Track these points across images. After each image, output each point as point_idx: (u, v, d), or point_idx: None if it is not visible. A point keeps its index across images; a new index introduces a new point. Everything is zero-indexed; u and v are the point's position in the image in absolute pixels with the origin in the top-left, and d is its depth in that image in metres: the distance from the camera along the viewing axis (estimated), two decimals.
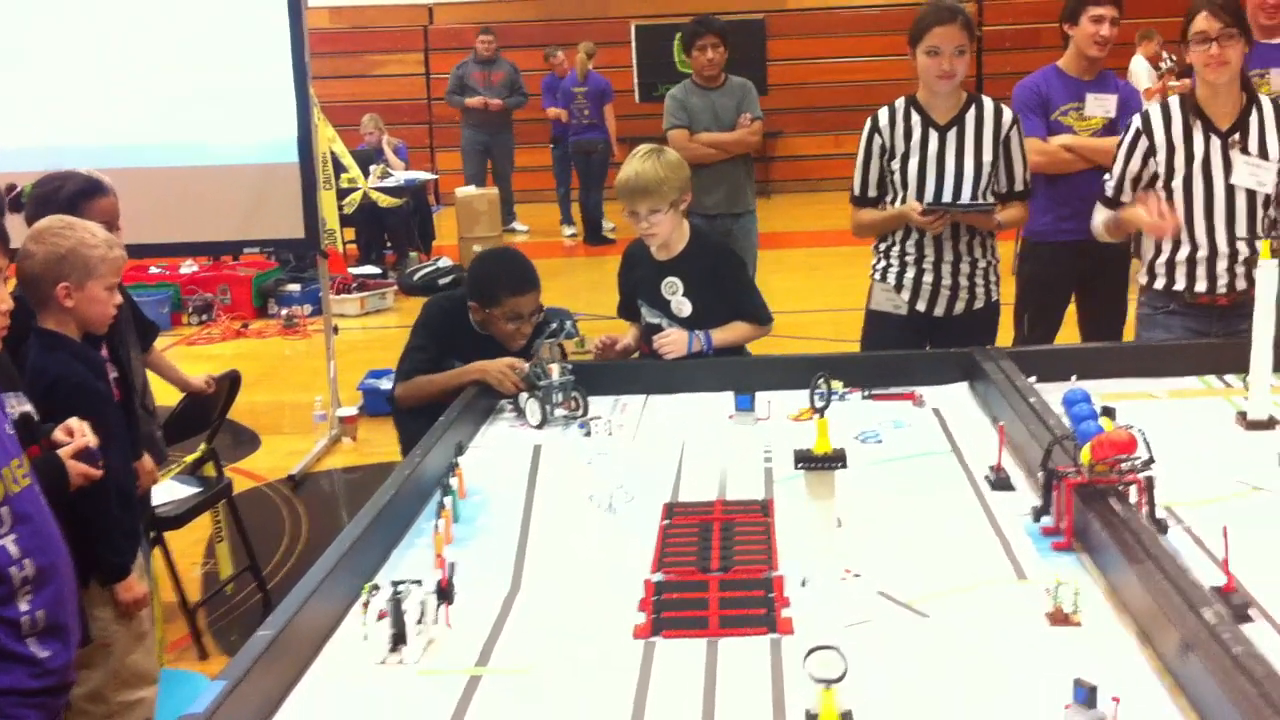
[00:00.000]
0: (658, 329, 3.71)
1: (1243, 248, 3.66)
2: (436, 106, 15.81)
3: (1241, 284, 3.66)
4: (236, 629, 4.61)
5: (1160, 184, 3.71)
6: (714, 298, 3.71)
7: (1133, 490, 2.37)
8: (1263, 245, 3.03)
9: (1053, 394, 3.06)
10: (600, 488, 2.83)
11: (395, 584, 2.11)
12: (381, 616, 2.09)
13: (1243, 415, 3.05)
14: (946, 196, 3.92)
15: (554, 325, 3.48)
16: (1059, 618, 2.08)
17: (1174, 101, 3.74)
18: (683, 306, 3.70)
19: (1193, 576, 2.01)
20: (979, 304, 4.05)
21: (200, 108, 6.20)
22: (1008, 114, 3.98)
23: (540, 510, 2.74)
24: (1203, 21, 3.56)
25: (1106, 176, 3.88)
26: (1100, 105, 4.56)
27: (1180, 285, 3.75)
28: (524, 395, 3.37)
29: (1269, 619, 2.04)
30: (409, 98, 15.65)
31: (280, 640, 1.98)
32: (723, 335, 3.71)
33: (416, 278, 10.37)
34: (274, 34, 6.16)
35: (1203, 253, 3.68)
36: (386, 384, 7.00)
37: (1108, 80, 4.69)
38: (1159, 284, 3.80)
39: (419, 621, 2.09)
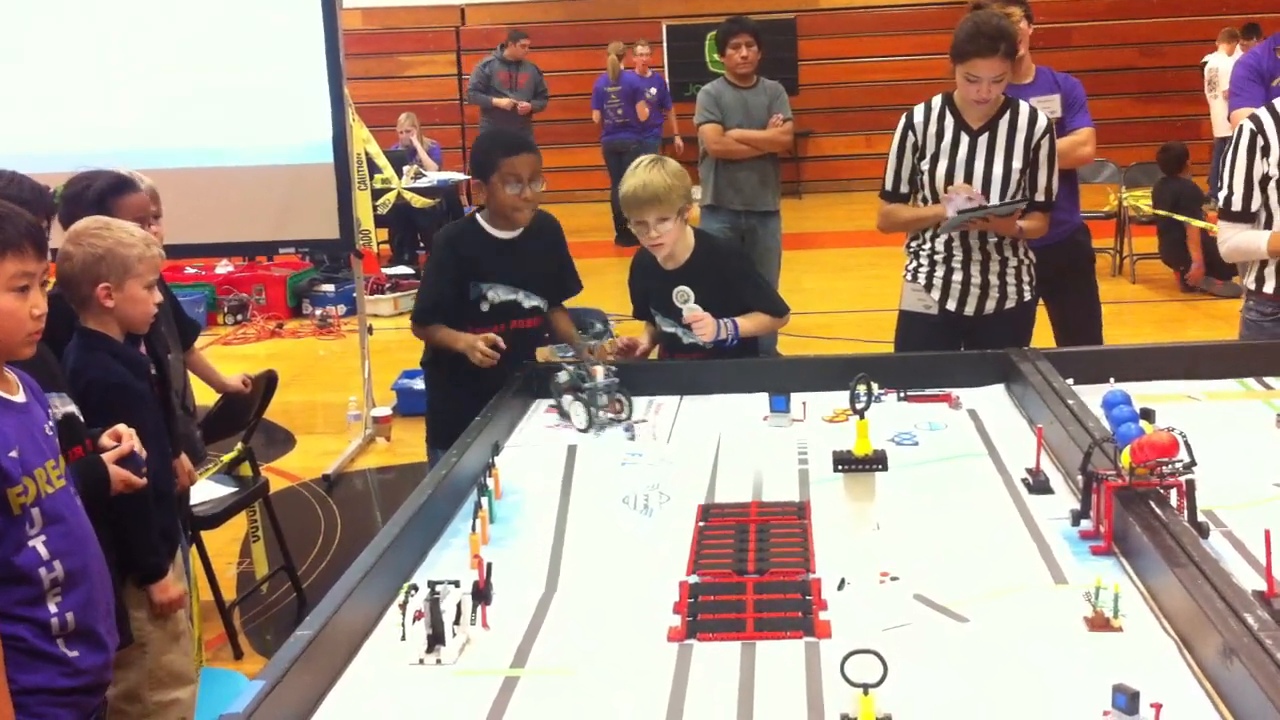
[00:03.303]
0: (674, 338, 3.71)
1: None
2: (469, 107, 15.80)
3: None
4: (271, 628, 4.64)
5: (1274, 184, 3.56)
6: (726, 301, 3.68)
7: (1173, 493, 2.35)
8: None
9: (1090, 395, 3.04)
10: (635, 489, 2.83)
11: (432, 584, 2.12)
12: (418, 617, 2.09)
13: None
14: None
15: (598, 327, 3.45)
16: (1099, 622, 2.06)
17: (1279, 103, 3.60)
18: (693, 313, 3.64)
19: (1235, 581, 1.99)
20: (1010, 303, 4.03)
21: (235, 109, 6.24)
22: (1042, 121, 3.94)
23: (576, 511, 2.75)
24: None
25: (1223, 190, 3.69)
26: (1045, 106, 4.49)
27: None
28: (568, 398, 3.32)
29: None
30: (441, 98, 15.69)
31: (318, 640, 1.98)
32: (747, 323, 3.69)
33: None
34: (309, 36, 6.19)
35: None
36: (420, 384, 7.03)
37: (1046, 79, 4.62)
38: (1269, 287, 3.64)
39: (456, 622, 2.09)
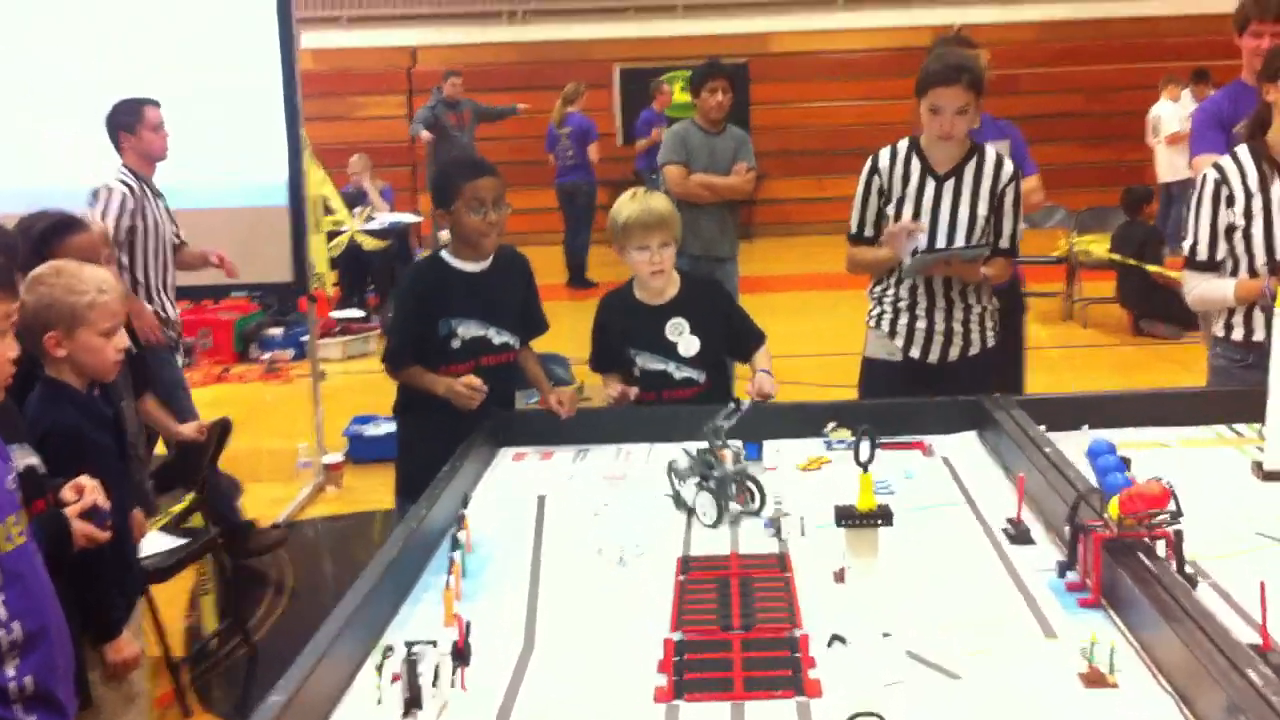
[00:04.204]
0: (663, 377, 3.65)
1: None
2: (421, 148, 15.77)
3: None
4: (221, 684, 4.51)
5: (1239, 234, 3.56)
6: (716, 331, 3.70)
7: (1159, 544, 2.31)
8: (1279, 291, 2.99)
9: (1063, 443, 3.03)
10: (609, 540, 2.75)
11: (409, 645, 2.04)
12: (395, 679, 2.01)
13: (1258, 466, 3.00)
14: (940, 244, 3.89)
15: (731, 406, 3.00)
16: (1094, 678, 2.01)
17: (1242, 150, 3.60)
18: (690, 345, 3.65)
19: (1233, 636, 1.96)
20: (975, 350, 4.01)
21: (189, 151, 6.12)
22: (1008, 167, 3.93)
23: (549, 564, 2.67)
24: None
25: (1188, 240, 3.67)
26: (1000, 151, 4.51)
27: (1260, 335, 3.54)
28: (691, 488, 2.89)
29: None
30: (392, 140, 15.61)
31: (290, 706, 1.89)
32: (766, 362, 3.72)
33: None
34: (263, 77, 6.12)
35: None
36: (372, 430, 6.94)
37: (990, 125, 4.63)
38: (1237, 335, 3.63)
39: (434, 684, 2.02)
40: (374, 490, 6.38)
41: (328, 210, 7.19)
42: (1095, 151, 14.66)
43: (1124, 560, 2.26)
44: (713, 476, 2.84)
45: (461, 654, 2.07)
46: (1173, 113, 12.63)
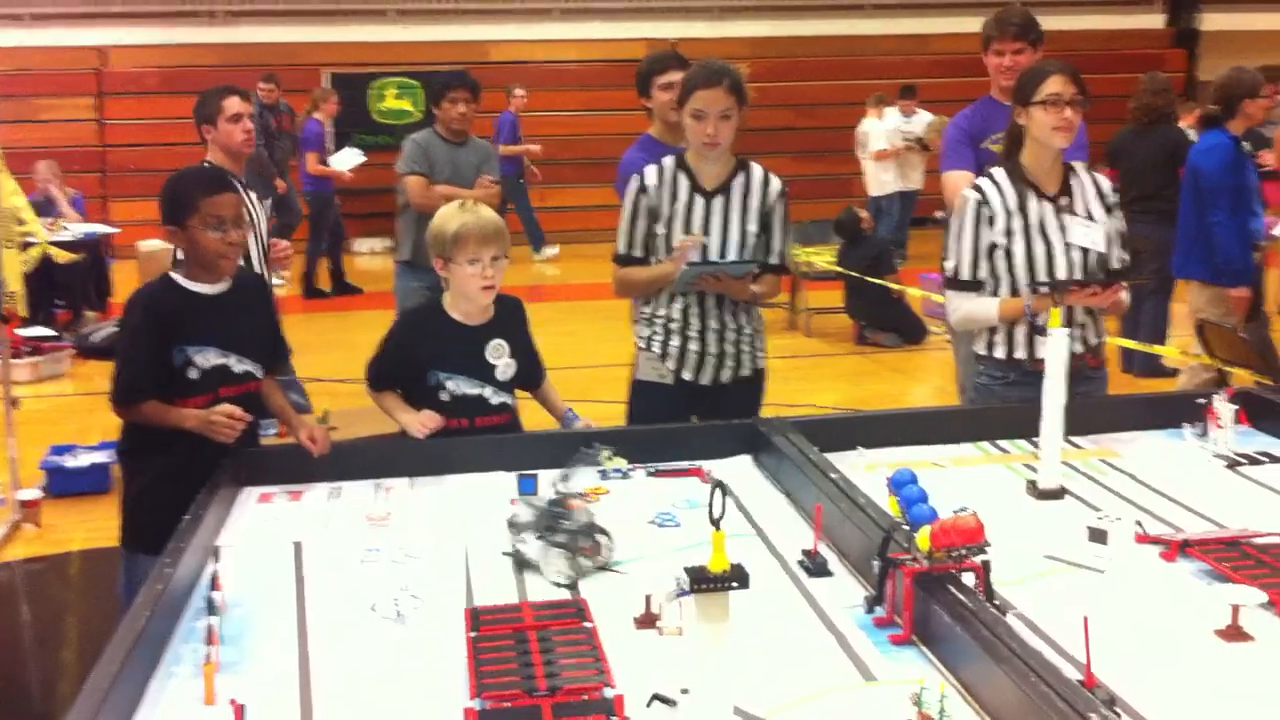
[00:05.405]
0: (478, 401, 3.42)
1: (1079, 313, 3.59)
2: (110, 154, 14.84)
3: (1078, 347, 3.56)
4: None
5: (1001, 253, 3.58)
6: (525, 353, 3.56)
7: (967, 576, 2.26)
8: (1052, 314, 3.02)
9: (838, 465, 2.99)
10: (382, 592, 2.50)
11: None
12: None
13: (1033, 485, 3.02)
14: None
15: (592, 450, 2.81)
16: None
17: (998, 171, 3.63)
18: (509, 369, 3.47)
19: (1065, 675, 1.90)
20: (745, 372, 3.94)
21: None
22: (775, 184, 3.87)
23: (317, 623, 2.40)
24: (1058, 84, 3.48)
25: (950, 260, 3.68)
26: None
27: (1021, 354, 3.61)
28: (535, 544, 2.58)
29: (1130, 712, 1.96)
30: (80, 144, 14.58)
31: None
32: (558, 397, 3.67)
33: (96, 339, 9.53)
34: None
35: (1043, 319, 3.40)
36: (72, 461, 6.35)
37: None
38: (999, 353, 3.65)
39: None
40: (76, 528, 5.85)
41: (19, 222, 6.53)
42: (809, 165, 15.06)
43: (937, 595, 2.19)
44: (562, 529, 2.56)
45: None
46: (879, 129, 13.14)
